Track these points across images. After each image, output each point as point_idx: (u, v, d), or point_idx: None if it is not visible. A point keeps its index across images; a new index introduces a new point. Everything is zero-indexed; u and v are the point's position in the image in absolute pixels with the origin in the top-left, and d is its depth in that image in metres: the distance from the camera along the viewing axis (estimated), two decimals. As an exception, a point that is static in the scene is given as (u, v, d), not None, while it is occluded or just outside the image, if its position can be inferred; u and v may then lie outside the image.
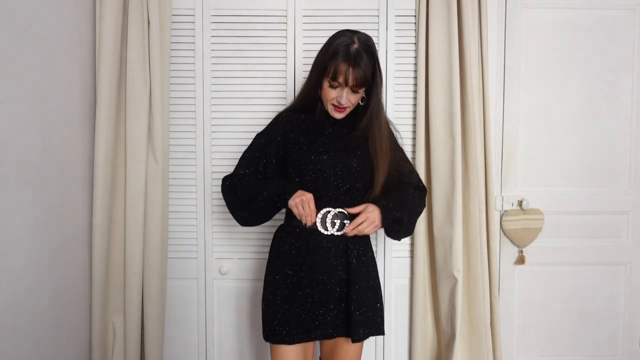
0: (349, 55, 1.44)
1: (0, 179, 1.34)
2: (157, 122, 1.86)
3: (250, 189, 1.54)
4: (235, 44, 1.97)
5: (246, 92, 1.99)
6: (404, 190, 1.59)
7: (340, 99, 1.49)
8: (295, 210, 1.48)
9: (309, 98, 1.59)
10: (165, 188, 1.93)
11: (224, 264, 2.04)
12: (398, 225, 1.57)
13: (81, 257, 1.80)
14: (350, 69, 1.44)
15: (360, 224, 1.49)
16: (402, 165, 1.64)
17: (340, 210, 1.54)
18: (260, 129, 1.68)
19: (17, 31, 1.41)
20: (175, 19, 1.95)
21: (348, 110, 1.55)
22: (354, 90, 1.49)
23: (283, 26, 1.97)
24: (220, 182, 1.77)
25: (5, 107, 1.36)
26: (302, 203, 1.46)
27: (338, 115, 1.55)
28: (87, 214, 1.82)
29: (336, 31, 1.52)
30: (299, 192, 1.49)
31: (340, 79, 1.46)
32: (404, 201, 1.56)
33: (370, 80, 1.49)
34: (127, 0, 1.82)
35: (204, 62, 1.97)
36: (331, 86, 1.49)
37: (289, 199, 1.48)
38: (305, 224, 1.50)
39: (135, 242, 1.87)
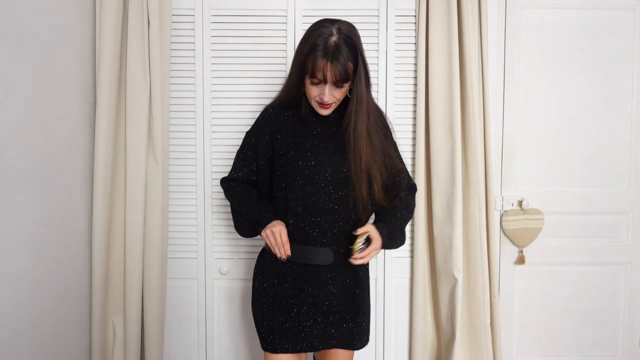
0: (327, 50, 1.33)
1: (0, 179, 1.34)
2: (157, 122, 1.86)
3: (240, 204, 1.56)
4: (235, 44, 1.97)
5: (246, 92, 1.99)
6: (397, 210, 1.55)
7: (323, 96, 1.40)
8: (267, 241, 1.44)
9: (291, 95, 1.50)
10: (165, 188, 1.93)
11: (223, 264, 2.04)
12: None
13: (81, 257, 1.80)
14: (329, 65, 1.34)
15: (370, 252, 1.45)
16: (395, 164, 1.56)
17: (366, 236, 1.47)
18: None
19: (17, 31, 1.41)
20: (175, 19, 1.95)
21: (334, 106, 1.47)
22: (337, 85, 1.39)
23: (283, 26, 1.97)
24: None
25: (5, 107, 1.36)
26: (272, 234, 1.41)
27: (324, 112, 1.46)
28: (87, 214, 1.82)
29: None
30: (273, 223, 1.43)
31: (319, 76, 1.36)
32: (399, 225, 1.55)
33: (353, 74, 1.39)
34: (127, 0, 1.83)
35: (204, 62, 1.97)
36: (312, 83, 1.40)
37: (261, 229, 1.45)
38: (280, 258, 1.45)
39: (135, 242, 1.87)
